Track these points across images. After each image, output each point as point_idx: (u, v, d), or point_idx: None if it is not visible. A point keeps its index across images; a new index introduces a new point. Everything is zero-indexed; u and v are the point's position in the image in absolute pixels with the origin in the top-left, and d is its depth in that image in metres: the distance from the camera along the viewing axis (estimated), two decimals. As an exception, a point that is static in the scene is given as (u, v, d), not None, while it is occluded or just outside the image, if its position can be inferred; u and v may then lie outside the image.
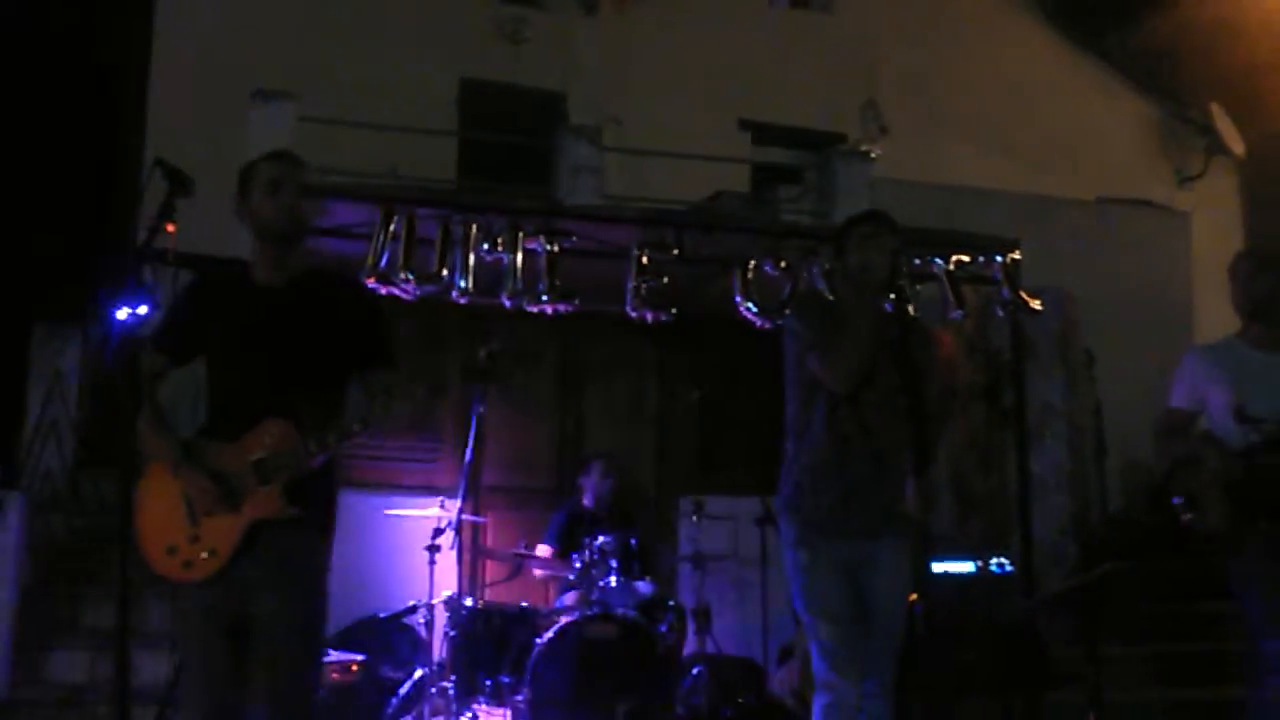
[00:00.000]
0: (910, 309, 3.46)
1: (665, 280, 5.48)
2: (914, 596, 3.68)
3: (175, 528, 2.84)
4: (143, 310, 2.73)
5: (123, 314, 2.65)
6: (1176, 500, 3.82)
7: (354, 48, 8.38)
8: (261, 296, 2.98)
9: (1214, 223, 10.01)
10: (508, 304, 5.26)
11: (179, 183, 2.68)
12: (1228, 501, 3.69)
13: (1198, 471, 3.77)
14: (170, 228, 2.69)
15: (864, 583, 3.39)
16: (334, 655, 4.84)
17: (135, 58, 8.31)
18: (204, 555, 2.82)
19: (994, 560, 5.83)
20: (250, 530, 2.82)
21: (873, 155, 8.20)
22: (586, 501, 6.25)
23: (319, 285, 3.04)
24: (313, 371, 2.96)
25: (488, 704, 5.29)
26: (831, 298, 5.28)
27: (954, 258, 5.87)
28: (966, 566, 5.81)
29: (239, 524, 2.82)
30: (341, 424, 2.89)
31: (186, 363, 3.00)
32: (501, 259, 5.26)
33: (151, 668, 3.77)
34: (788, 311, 5.39)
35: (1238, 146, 10.35)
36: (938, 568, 5.71)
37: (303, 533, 2.89)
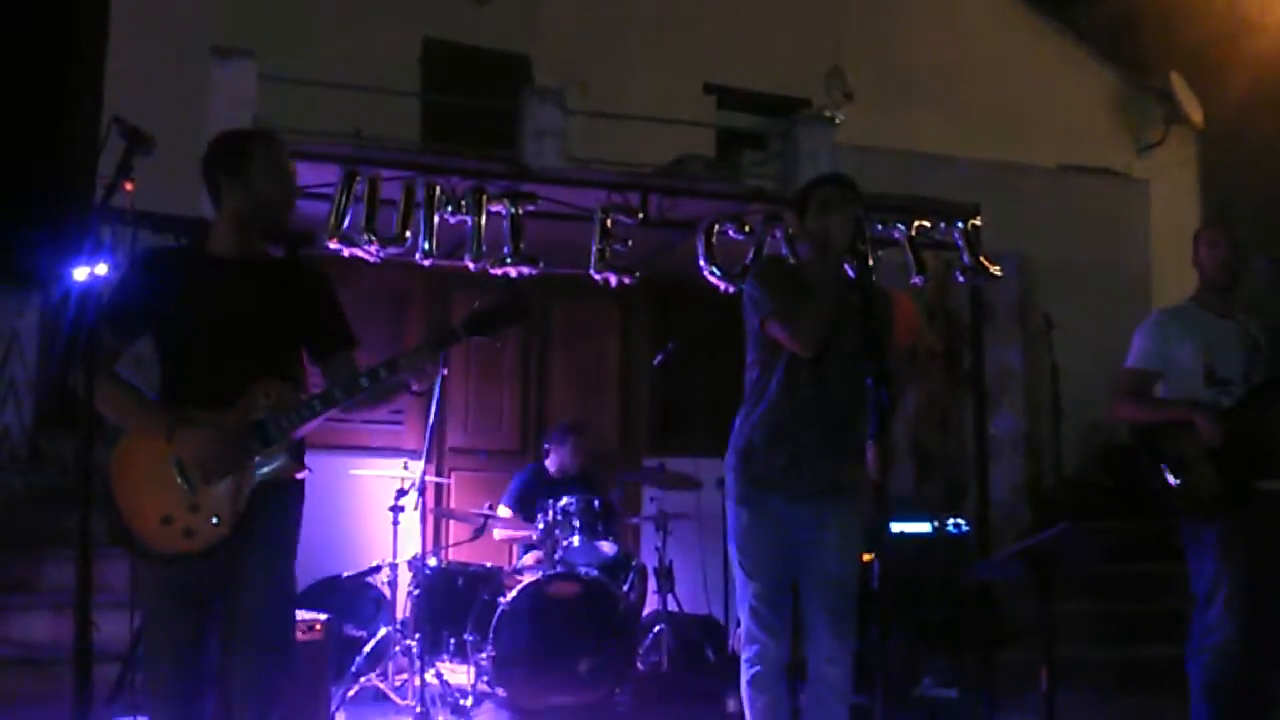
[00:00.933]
0: (871, 273, 3.49)
1: (629, 243, 5.50)
2: (869, 557, 3.75)
3: (168, 496, 2.76)
4: (101, 270, 2.71)
5: (80, 274, 2.63)
6: (1164, 465, 3.83)
7: (317, 4, 8.27)
8: (227, 268, 2.92)
9: (1172, 191, 10.13)
10: (471, 267, 5.26)
11: (137, 141, 2.64)
12: (1213, 466, 3.74)
13: (1186, 436, 3.79)
14: (128, 186, 2.66)
15: (813, 545, 3.40)
16: (298, 614, 4.86)
17: (93, 13, 8.16)
18: (210, 522, 2.75)
19: (950, 521, 5.94)
20: (254, 493, 2.78)
21: (836, 121, 8.22)
22: (550, 466, 6.28)
23: (284, 264, 3.07)
24: (283, 344, 2.94)
25: (451, 662, 5.35)
26: (794, 262, 5.33)
27: (915, 223, 5.92)
28: (924, 527, 5.92)
29: (244, 486, 2.77)
30: (347, 380, 2.85)
31: (137, 339, 2.93)
32: (465, 221, 5.25)
33: (114, 627, 3.76)
34: (749, 277, 5.42)
35: (1196, 116, 10.46)
36: (895, 528, 5.81)
37: (291, 492, 2.89)
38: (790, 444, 3.40)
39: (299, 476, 2.88)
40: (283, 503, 2.86)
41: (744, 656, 3.43)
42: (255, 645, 2.76)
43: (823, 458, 3.40)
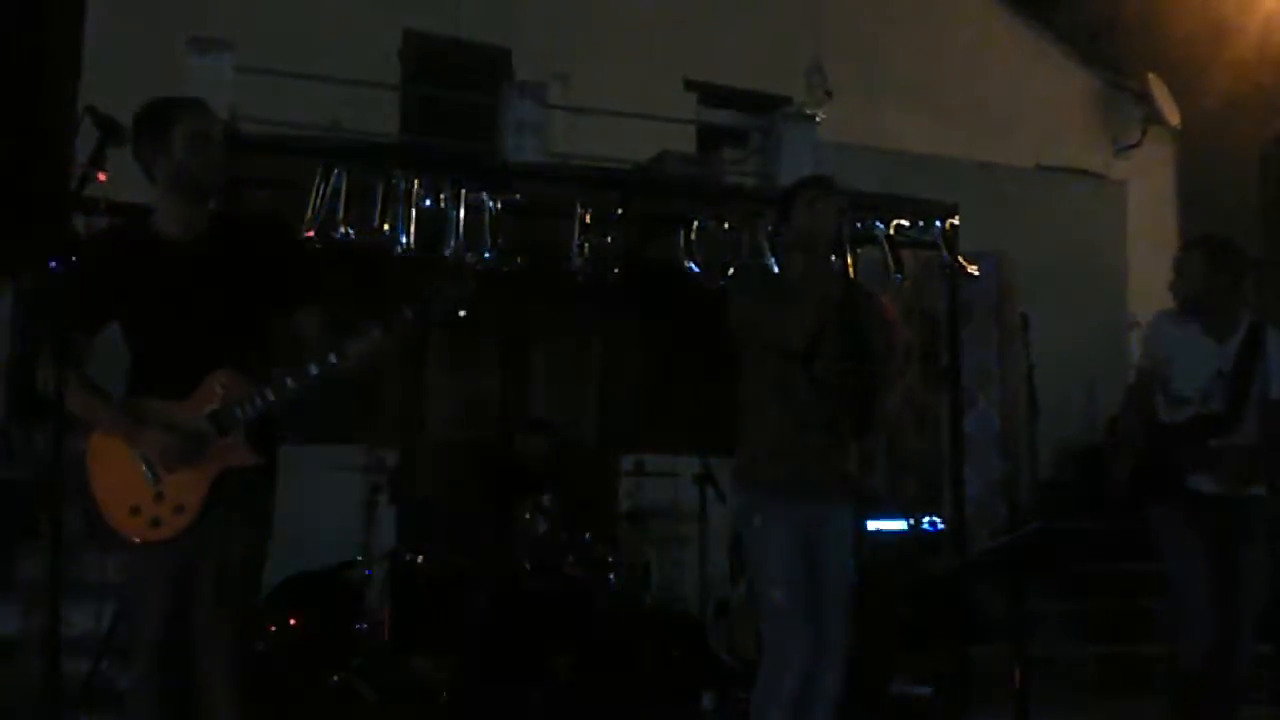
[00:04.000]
0: (853, 273, 3.51)
1: (609, 239, 5.49)
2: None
3: (135, 488, 2.81)
4: (74, 259, 2.70)
5: (53, 263, 2.62)
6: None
7: (295, -4, 8.22)
8: (176, 250, 2.88)
9: (1149, 191, 10.20)
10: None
11: (111, 131, 2.63)
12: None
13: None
14: (101, 177, 2.64)
15: (816, 545, 3.43)
16: (271, 610, 4.84)
17: (69, 3, 8.08)
18: (175, 511, 2.80)
19: (925, 519, 5.97)
20: (216, 481, 2.81)
21: (817, 119, 8.23)
22: (527, 464, 6.27)
23: (233, 231, 2.96)
24: (241, 322, 2.91)
25: (427, 658, 5.33)
26: (773, 263, 5.33)
27: (894, 222, 5.93)
28: (899, 525, 5.95)
29: (206, 476, 2.81)
30: (297, 370, 2.84)
31: (100, 330, 2.92)
32: (444, 215, 5.23)
33: (86, 620, 3.75)
34: (730, 274, 5.43)
35: (1174, 117, 10.53)
36: (870, 526, 5.83)
37: (260, 477, 2.91)
38: (794, 451, 3.42)
39: (261, 461, 2.89)
40: (251, 484, 2.88)
41: (765, 672, 3.41)
42: (223, 611, 2.80)
43: (826, 461, 3.42)
